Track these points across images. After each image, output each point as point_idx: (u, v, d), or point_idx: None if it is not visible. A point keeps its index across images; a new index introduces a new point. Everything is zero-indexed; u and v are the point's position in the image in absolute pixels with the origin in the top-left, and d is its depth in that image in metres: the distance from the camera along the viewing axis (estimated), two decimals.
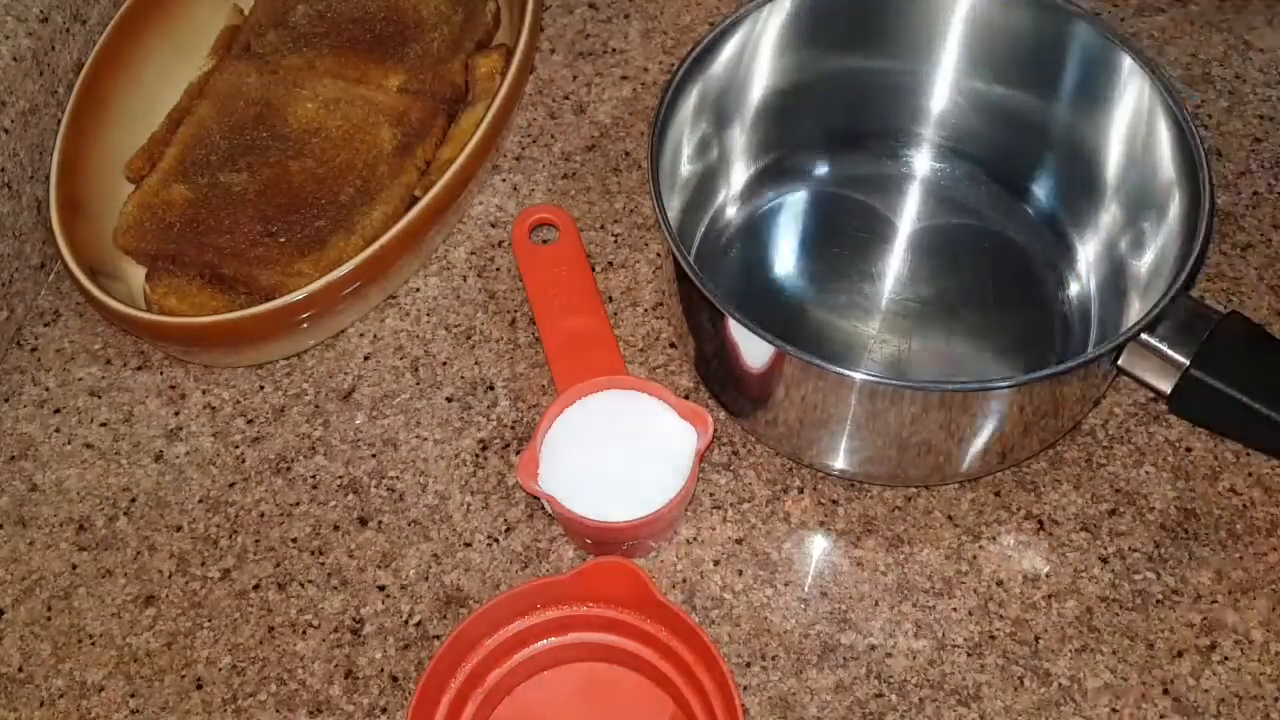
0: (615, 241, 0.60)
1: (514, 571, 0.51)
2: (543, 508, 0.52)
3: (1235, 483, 0.52)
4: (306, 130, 0.61)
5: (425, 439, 0.55)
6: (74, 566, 0.53)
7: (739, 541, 0.52)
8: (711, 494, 0.53)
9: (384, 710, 0.48)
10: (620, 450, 0.50)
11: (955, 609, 0.50)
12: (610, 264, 0.60)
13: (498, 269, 0.60)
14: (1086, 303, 0.55)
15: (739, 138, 0.59)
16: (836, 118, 0.60)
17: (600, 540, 0.50)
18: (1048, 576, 0.50)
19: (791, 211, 0.60)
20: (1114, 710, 0.47)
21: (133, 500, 0.54)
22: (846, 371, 0.44)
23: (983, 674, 0.48)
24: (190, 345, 0.56)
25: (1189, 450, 0.53)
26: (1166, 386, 0.47)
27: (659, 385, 0.50)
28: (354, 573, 0.52)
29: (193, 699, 0.49)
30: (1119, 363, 0.47)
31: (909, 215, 0.59)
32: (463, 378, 0.57)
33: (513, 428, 0.55)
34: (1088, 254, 0.56)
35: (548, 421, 0.50)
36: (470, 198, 0.61)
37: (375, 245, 0.54)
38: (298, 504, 0.54)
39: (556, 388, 0.53)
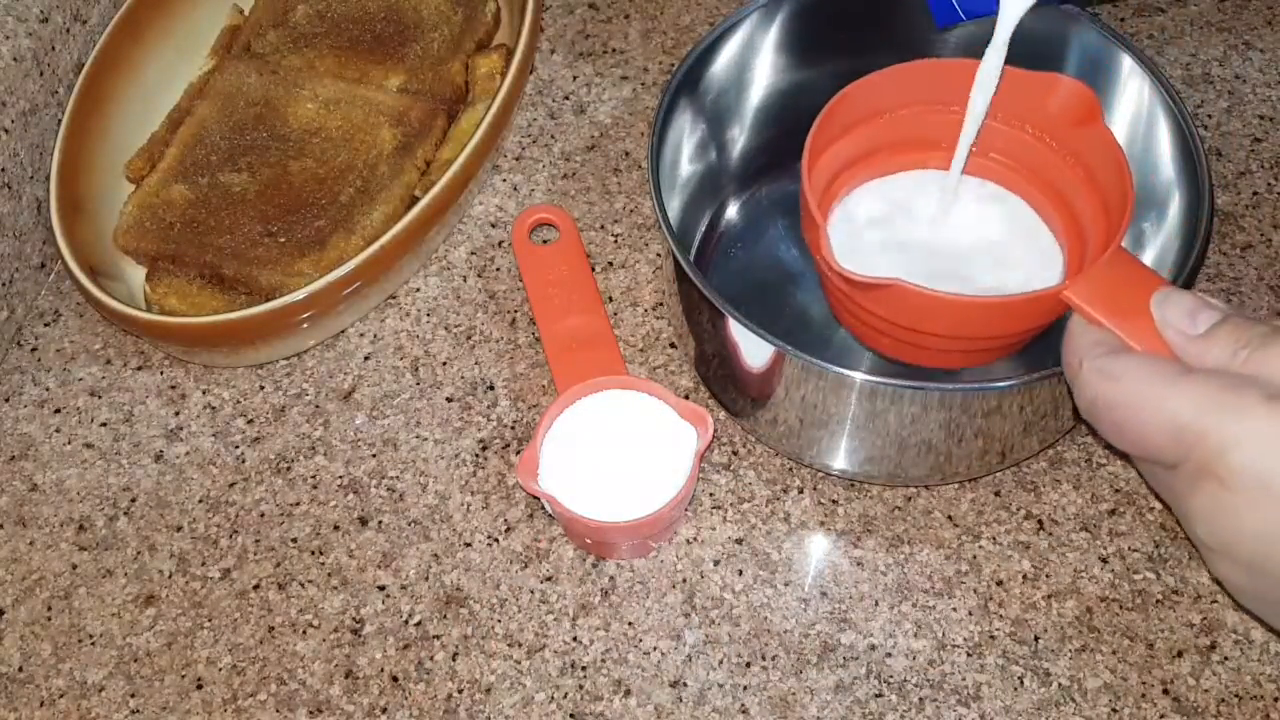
0: (615, 241, 0.60)
1: (514, 571, 0.51)
2: (543, 508, 0.52)
3: None
4: (306, 130, 0.61)
5: (425, 439, 0.55)
6: (74, 566, 0.53)
7: (739, 541, 0.52)
8: (711, 494, 0.53)
9: (384, 710, 0.48)
10: (620, 450, 0.50)
11: (955, 609, 0.50)
12: (610, 264, 0.60)
13: (498, 269, 0.60)
14: None
15: (739, 138, 0.59)
16: None
17: (600, 540, 0.50)
18: (1048, 576, 0.50)
19: (792, 211, 0.60)
20: (1114, 710, 0.47)
21: (133, 500, 0.54)
22: (846, 371, 0.44)
23: (983, 674, 0.48)
24: (190, 345, 0.56)
25: None
26: None
27: (659, 385, 0.50)
28: (354, 573, 0.52)
29: (193, 699, 0.49)
30: None
31: None
32: (463, 378, 0.57)
33: (513, 428, 0.55)
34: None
35: (548, 421, 0.50)
36: (470, 198, 0.61)
37: (375, 245, 0.54)
38: (298, 504, 0.54)
39: (556, 388, 0.53)
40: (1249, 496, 0.34)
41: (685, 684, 0.48)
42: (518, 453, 0.54)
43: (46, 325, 0.60)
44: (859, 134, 0.49)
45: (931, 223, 0.50)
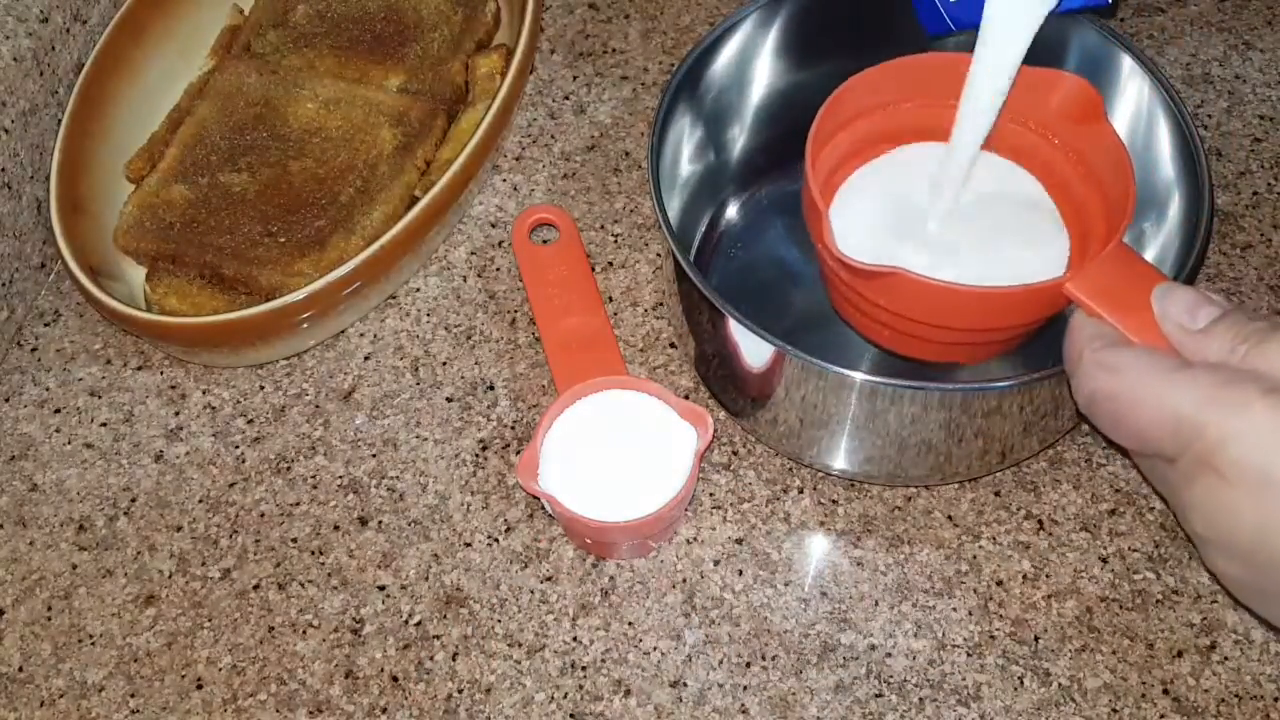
0: (615, 241, 0.60)
1: (514, 571, 0.51)
2: (543, 508, 0.52)
3: None
4: (306, 130, 0.61)
5: (425, 439, 0.55)
6: (74, 566, 0.53)
7: (739, 541, 0.52)
8: (711, 494, 0.53)
9: (384, 710, 0.48)
10: (620, 450, 0.50)
11: (955, 609, 0.50)
12: (610, 264, 0.60)
13: (498, 269, 0.60)
14: None
15: (739, 138, 0.59)
16: None
17: (600, 540, 0.50)
18: (1048, 576, 0.50)
19: (792, 211, 0.60)
20: (1114, 710, 0.47)
21: (133, 500, 0.54)
22: (847, 372, 0.44)
23: (983, 674, 0.48)
24: (190, 345, 0.56)
25: None
26: None
27: (659, 385, 0.50)
28: (354, 573, 0.52)
29: (193, 699, 0.49)
30: None
31: None
32: (463, 378, 0.57)
33: (513, 428, 0.55)
34: None
35: (548, 421, 0.50)
36: (470, 198, 0.61)
37: (375, 245, 0.54)
38: (298, 504, 0.54)
39: (556, 388, 0.53)
40: (1247, 489, 0.34)
41: (685, 684, 0.48)
42: (518, 453, 0.54)
43: (46, 325, 0.60)
44: (861, 125, 0.49)
45: (934, 214, 0.49)
